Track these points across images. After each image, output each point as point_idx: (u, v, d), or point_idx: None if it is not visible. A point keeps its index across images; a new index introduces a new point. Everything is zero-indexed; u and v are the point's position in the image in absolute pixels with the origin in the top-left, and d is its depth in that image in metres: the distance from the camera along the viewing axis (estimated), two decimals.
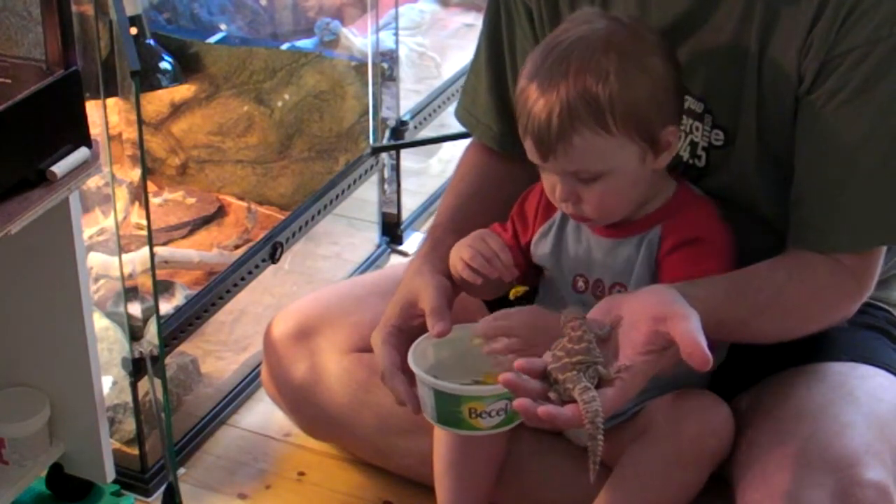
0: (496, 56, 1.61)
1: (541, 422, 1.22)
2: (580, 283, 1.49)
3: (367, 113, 2.30)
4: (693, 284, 1.36)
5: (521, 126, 1.40)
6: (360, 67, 2.30)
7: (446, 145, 2.58)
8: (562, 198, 1.40)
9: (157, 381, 1.71)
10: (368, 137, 2.31)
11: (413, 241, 2.44)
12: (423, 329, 1.44)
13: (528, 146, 1.39)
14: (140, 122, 1.60)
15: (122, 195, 1.68)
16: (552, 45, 1.38)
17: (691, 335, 1.22)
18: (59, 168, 1.45)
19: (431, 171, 2.64)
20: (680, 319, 1.24)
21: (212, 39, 2.37)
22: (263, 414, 1.96)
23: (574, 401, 1.23)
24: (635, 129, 1.35)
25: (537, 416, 1.22)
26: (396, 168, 2.42)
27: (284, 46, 2.41)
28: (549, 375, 1.26)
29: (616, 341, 1.28)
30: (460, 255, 1.46)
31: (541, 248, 1.51)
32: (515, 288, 1.46)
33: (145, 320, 1.72)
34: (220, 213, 2.31)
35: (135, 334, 1.72)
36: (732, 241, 1.44)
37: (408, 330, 1.47)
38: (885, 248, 1.44)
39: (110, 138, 1.62)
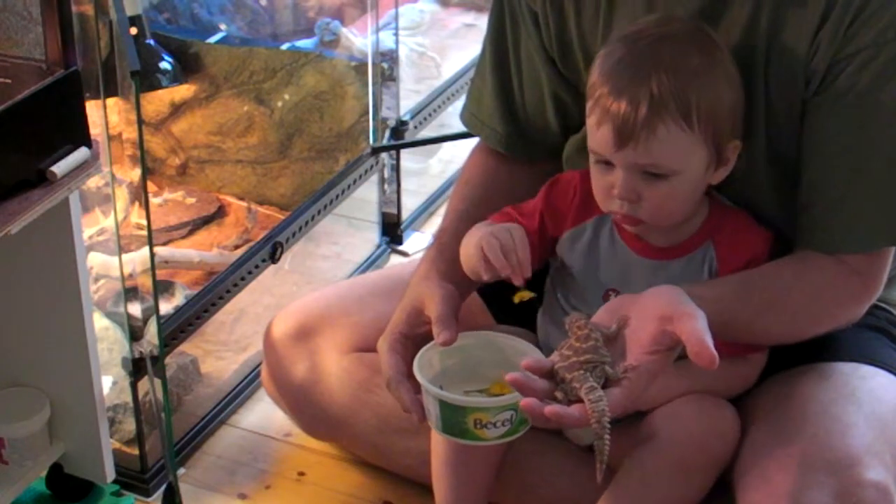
0: (501, 60, 1.60)
1: (547, 421, 1.23)
2: (612, 298, 1.47)
3: (367, 113, 2.30)
4: (700, 284, 1.36)
5: (597, 115, 1.37)
6: (360, 67, 2.30)
7: (446, 145, 2.58)
8: (622, 194, 1.37)
9: (157, 381, 1.71)
10: (368, 137, 2.31)
11: (413, 242, 2.44)
12: (429, 336, 1.44)
13: (604, 133, 1.36)
14: (140, 122, 1.60)
15: (122, 195, 1.68)
16: (637, 38, 1.36)
17: (698, 334, 1.22)
18: (59, 168, 1.45)
19: (431, 171, 2.64)
20: (687, 319, 1.24)
21: (212, 39, 2.36)
22: (263, 414, 1.96)
23: (581, 400, 1.23)
24: (712, 133, 1.35)
25: (544, 416, 1.22)
26: (396, 168, 2.42)
27: (284, 46, 2.41)
28: (556, 374, 1.26)
29: (623, 341, 1.28)
30: (480, 243, 1.41)
31: (570, 252, 1.49)
32: (521, 293, 1.44)
33: (145, 320, 1.72)
34: (220, 213, 2.31)
35: (135, 334, 1.72)
36: (773, 239, 1.44)
37: (414, 337, 1.47)
38: (892, 250, 1.44)
39: (110, 138, 1.62)
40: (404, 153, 2.44)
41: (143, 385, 1.75)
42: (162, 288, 1.96)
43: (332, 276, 2.27)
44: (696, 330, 1.23)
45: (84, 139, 1.49)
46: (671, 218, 1.41)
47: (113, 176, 1.65)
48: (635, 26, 1.39)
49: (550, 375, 1.26)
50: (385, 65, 2.38)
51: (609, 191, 1.39)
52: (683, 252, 1.44)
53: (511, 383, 1.25)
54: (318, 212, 2.17)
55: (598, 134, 1.37)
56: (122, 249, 1.68)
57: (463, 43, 2.96)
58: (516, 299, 1.44)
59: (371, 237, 2.40)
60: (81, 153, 1.48)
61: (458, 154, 2.59)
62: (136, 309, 1.71)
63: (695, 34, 1.36)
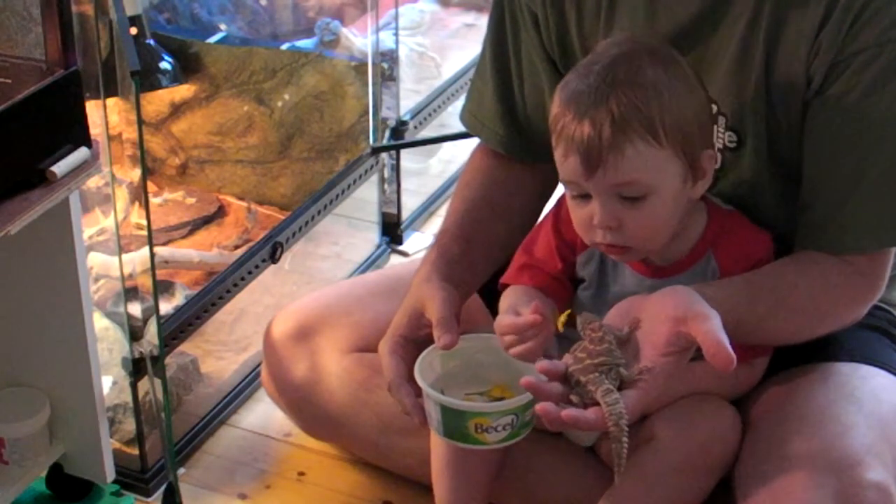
0: (501, 61, 1.60)
1: (563, 425, 1.22)
2: None
3: (367, 113, 2.30)
4: (709, 285, 1.36)
5: (562, 147, 1.35)
6: (360, 67, 2.30)
7: (446, 145, 2.58)
8: (602, 223, 1.35)
9: (157, 381, 1.71)
10: (368, 137, 2.31)
11: (413, 242, 2.44)
12: (430, 338, 1.43)
13: (572, 165, 1.34)
14: (140, 122, 1.60)
15: (122, 195, 1.68)
16: (592, 63, 1.35)
17: (714, 335, 1.22)
18: (59, 168, 1.45)
19: (431, 171, 2.64)
20: (701, 320, 1.24)
21: (212, 39, 2.36)
22: (263, 414, 1.96)
23: (596, 403, 1.22)
24: (681, 144, 1.33)
25: (560, 420, 1.22)
26: (396, 168, 2.42)
27: (284, 46, 2.41)
28: (571, 377, 1.26)
29: (636, 343, 1.28)
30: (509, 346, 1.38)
31: (584, 274, 1.49)
32: (561, 318, 1.40)
33: (145, 320, 1.72)
34: (220, 213, 2.31)
35: (135, 334, 1.72)
36: (773, 241, 1.43)
37: (415, 339, 1.47)
38: (894, 250, 1.44)
39: (110, 138, 1.62)
40: (404, 153, 2.44)
41: (143, 385, 1.75)
42: (162, 288, 1.96)
43: (332, 276, 2.27)
44: (712, 331, 1.22)
45: (84, 139, 1.49)
46: (656, 239, 1.39)
47: (113, 176, 1.65)
48: (589, 55, 1.38)
49: (564, 378, 1.26)
50: (385, 65, 2.38)
51: (590, 223, 1.36)
52: (684, 267, 1.43)
53: (526, 387, 1.25)
54: (318, 212, 2.17)
55: (566, 164, 1.35)
56: (122, 249, 1.68)
57: (463, 43, 2.96)
58: (561, 327, 1.40)
59: (371, 237, 2.40)
60: (81, 153, 1.48)
61: (458, 154, 2.59)
62: (136, 309, 1.71)
63: (647, 49, 1.35)
